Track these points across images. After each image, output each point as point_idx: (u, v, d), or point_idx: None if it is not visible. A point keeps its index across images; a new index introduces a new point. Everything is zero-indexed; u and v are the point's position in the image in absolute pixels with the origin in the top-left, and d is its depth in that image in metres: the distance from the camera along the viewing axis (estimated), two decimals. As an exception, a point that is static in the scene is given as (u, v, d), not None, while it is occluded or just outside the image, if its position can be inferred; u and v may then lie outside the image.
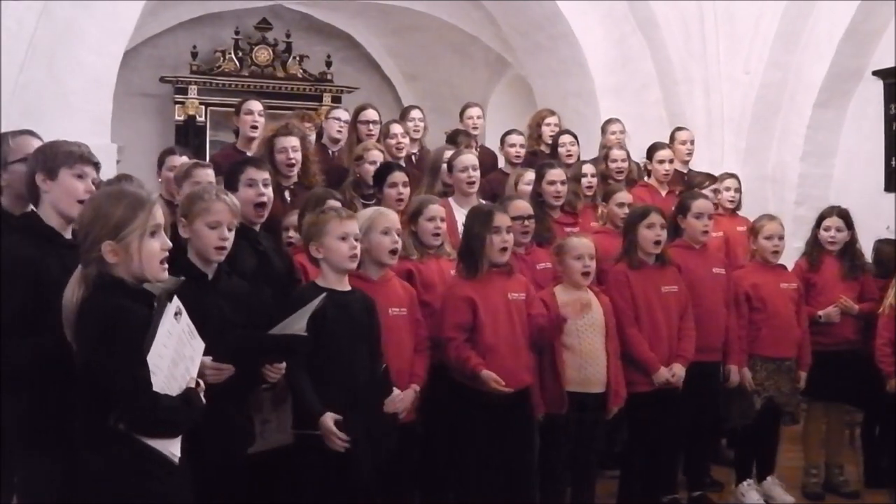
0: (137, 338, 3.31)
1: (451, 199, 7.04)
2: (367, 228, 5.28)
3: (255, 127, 7.78)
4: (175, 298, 3.47)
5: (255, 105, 7.94)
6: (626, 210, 7.10)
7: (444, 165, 7.37)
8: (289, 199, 6.56)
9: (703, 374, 6.59)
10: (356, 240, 4.98)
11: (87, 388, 3.36)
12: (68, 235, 4.13)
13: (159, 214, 3.52)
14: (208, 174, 5.84)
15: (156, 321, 3.36)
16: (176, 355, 3.43)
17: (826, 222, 7.40)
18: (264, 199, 5.33)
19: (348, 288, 5.02)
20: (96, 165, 4.26)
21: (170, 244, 3.56)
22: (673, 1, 10.60)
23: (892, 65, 9.79)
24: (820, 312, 7.20)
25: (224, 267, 4.50)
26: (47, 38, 8.58)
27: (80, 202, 4.07)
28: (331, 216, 4.99)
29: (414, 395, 5.39)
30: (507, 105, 14.58)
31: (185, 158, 6.70)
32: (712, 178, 8.25)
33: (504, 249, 5.71)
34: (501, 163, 9.06)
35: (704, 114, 10.70)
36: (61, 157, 4.12)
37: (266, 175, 5.42)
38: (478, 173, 7.13)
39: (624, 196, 7.37)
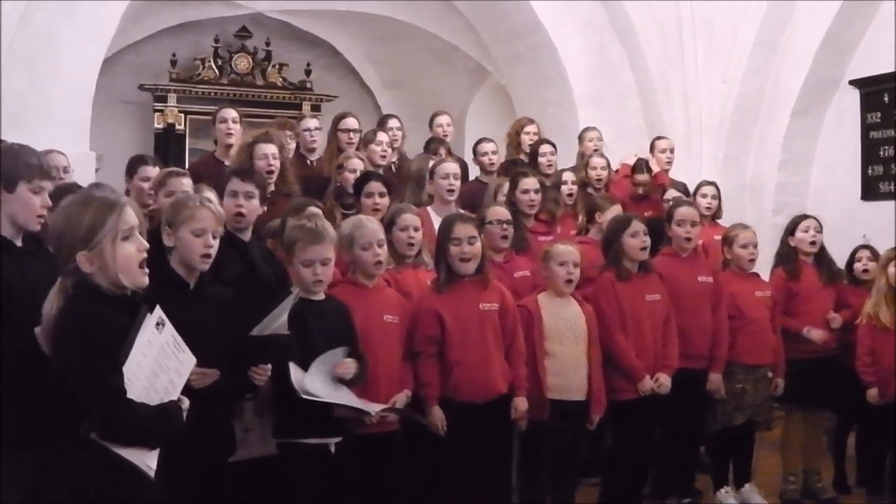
0: (112, 345, 3.27)
1: (429, 208, 7.05)
2: (348, 243, 5.35)
3: (230, 134, 7.77)
4: (157, 308, 3.42)
5: (229, 113, 7.94)
6: None
7: (427, 174, 7.39)
8: (265, 207, 6.55)
9: (688, 381, 6.60)
10: (324, 264, 5.02)
11: (60, 397, 3.33)
12: (20, 242, 4.10)
13: (131, 217, 3.45)
14: (183, 183, 5.85)
15: (134, 330, 3.32)
16: (157, 366, 3.39)
17: (804, 223, 7.46)
18: (242, 210, 5.35)
19: (322, 297, 5.06)
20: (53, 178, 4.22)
21: (146, 245, 3.49)
22: (651, 10, 10.65)
23: (869, 74, 9.87)
24: (807, 332, 7.26)
25: (206, 275, 4.49)
26: (27, 44, 8.56)
27: (39, 216, 4.07)
28: (298, 237, 5.04)
29: (407, 399, 5.43)
30: (486, 113, 14.59)
31: (157, 169, 6.68)
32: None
33: (464, 260, 5.69)
34: (476, 172, 9.06)
35: (683, 122, 10.75)
36: (21, 170, 4.04)
37: (249, 188, 5.43)
38: (458, 182, 7.16)
39: (618, 209, 7.33)
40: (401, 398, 5.40)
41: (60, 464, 3.35)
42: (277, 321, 4.48)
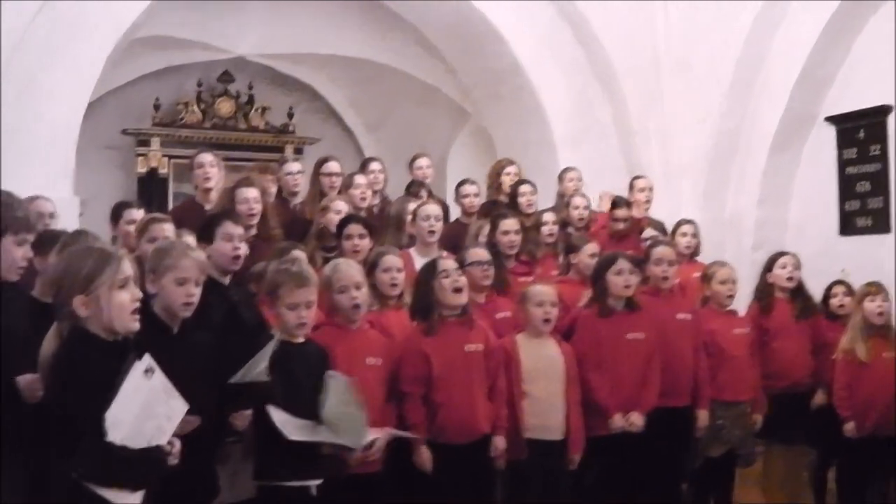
0: (97, 389, 3.37)
1: (411, 250, 7.11)
2: (327, 287, 5.38)
3: (207, 179, 7.73)
4: (146, 356, 3.52)
5: (205, 157, 7.89)
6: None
7: (408, 216, 7.47)
8: (247, 251, 6.60)
9: (670, 418, 6.63)
10: (308, 307, 5.03)
11: (50, 436, 3.46)
12: None
13: (127, 268, 3.61)
14: (164, 229, 5.90)
15: (122, 376, 3.42)
16: (144, 412, 3.48)
17: (782, 260, 7.56)
18: (240, 252, 5.44)
19: (302, 340, 5.07)
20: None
21: (140, 295, 3.66)
22: (630, 51, 10.78)
23: (844, 111, 10.00)
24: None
25: (189, 320, 4.54)
26: (11, 88, 8.58)
27: (20, 268, 4.14)
28: (283, 281, 5.04)
29: (388, 436, 5.40)
30: (468, 155, 14.67)
31: (142, 212, 6.73)
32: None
33: (457, 290, 5.76)
34: (457, 213, 9.09)
35: (662, 161, 10.84)
36: (9, 222, 4.14)
37: (241, 230, 5.54)
38: (440, 223, 7.23)
39: (593, 247, 7.40)
40: (383, 435, 5.38)
41: (59, 464, 3.43)
42: (258, 367, 4.52)
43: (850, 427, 7.11)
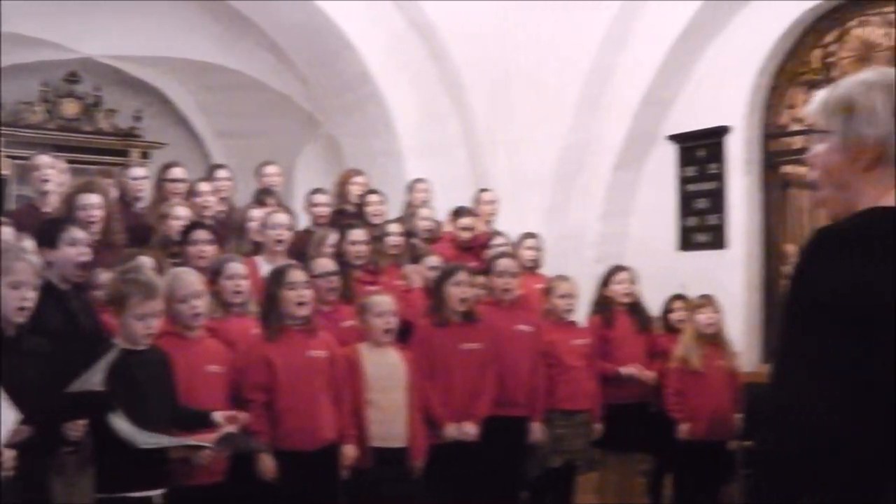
0: None
1: (258, 258, 7.09)
2: (167, 296, 5.30)
3: (45, 181, 7.46)
4: None
5: (42, 159, 7.69)
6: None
7: (251, 224, 7.44)
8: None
9: (507, 427, 6.75)
10: (155, 317, 4.95)
11: None
12: None
13: None
14: (3, 232, 5.76)
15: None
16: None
17: (619, 276, 7.78)
18: (85, 259, 5.37)
19: (144, 347, 4.99)
20: None
21: None
22: (480, 66, 10.89)
23: (685, 130, 10.29)
24: (621, 370, 7.51)
25: (26, 326, 4.45)
26: None
27: None
28: (132, 291, 4.91)
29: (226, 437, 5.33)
30: (317, 164, 14.62)
31: None
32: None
33: (301, 304, 5.79)
34: (308, 221, 9.08)
35: (508, 174, 10.95)
36: None
37: (86, 235, 5.44)
38: (289, 233, 7.23)
39: (434, 259, 7.51)
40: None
41: None
42: (94, 377, 4.45)
43: (683, 428, 7.39)
